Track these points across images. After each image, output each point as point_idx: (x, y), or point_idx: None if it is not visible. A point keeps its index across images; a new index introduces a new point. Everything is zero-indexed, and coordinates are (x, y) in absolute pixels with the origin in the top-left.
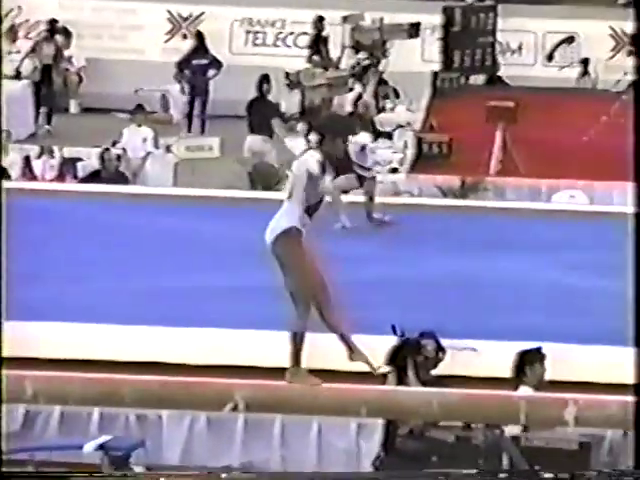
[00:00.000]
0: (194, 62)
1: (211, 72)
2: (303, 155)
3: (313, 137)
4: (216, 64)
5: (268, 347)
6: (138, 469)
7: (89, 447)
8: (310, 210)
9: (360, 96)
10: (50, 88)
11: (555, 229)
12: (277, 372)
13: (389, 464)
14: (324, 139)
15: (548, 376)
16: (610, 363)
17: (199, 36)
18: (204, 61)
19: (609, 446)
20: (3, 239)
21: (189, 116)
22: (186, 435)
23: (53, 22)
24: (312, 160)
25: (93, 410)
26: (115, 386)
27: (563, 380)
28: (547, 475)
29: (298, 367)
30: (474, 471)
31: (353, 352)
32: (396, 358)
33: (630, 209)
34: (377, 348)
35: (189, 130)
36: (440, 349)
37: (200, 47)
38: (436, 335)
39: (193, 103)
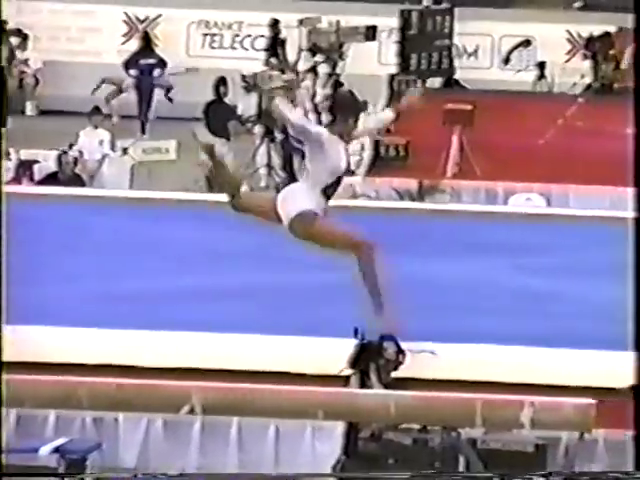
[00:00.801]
0: (141, 62)
1: (157, 72)
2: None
3: (325, 117)
4: (161, 64)
5: (225, 350)
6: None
7: (45, 450)
8: (327, 191)
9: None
10: (4, 90)
11: (512, 232)
12: (234, 375)
13: (350, 467)
14: (335, 119)
15: (505, 378)
16: (567, 365)
17: (145, 36)
18: (150, 61)
19: (565, 448)
20: None
21: (139, 116)
22: (142, 438)
23: (3, 23)
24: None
25: (49, 413)
26: (71, 389)
27: (519, 382)
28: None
29: None
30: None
31: None
32: (358, 361)
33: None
34: (339, 350)
35: (143, 132)
36: (400, 352)
37: (146, 47)
38: (396, 338)
39: (141, 103)
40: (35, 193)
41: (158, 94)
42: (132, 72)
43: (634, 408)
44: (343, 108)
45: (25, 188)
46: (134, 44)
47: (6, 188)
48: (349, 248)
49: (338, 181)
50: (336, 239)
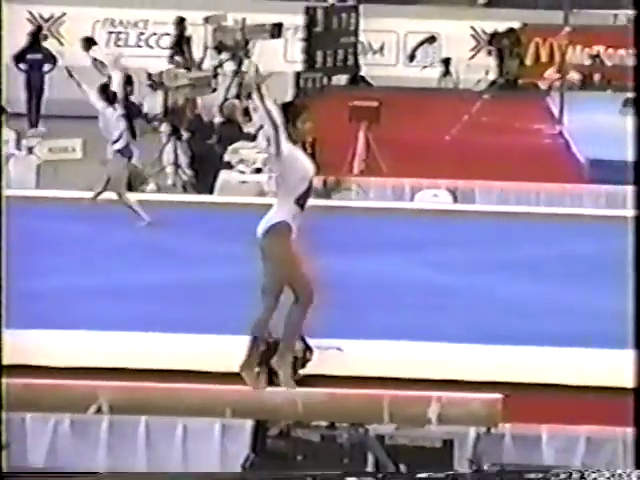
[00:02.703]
0: (28, 57)
1: (46, 67)
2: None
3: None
4: (51, 59)
5: (132, 348)
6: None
7: None
8: (300, 200)
9: (226, 98)
10: None
11: (419, 228)
12: (141, 374)
13: (259, 465)
14: (288, 124)
15: (412, 374)
16: (474, 361)
17: (33, 32)
18: (38, 56)
19: (472, 443)
20: None
21: (29, 111)
22: (50, 437)
23: None
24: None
25: None
26: None
27: (427, 378)
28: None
29: (251, 366)
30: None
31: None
32: (266, 359)
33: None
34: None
35: (31, 126)
36: (308, 349)
37: (34, 43)
38: (303, 335)
39: (31, 98)
40: None
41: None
42: (22, 67)
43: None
44: (291, 112)
45: None
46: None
47: None
48: (300, 286)
49: (309, 188)
50: (296, 270)
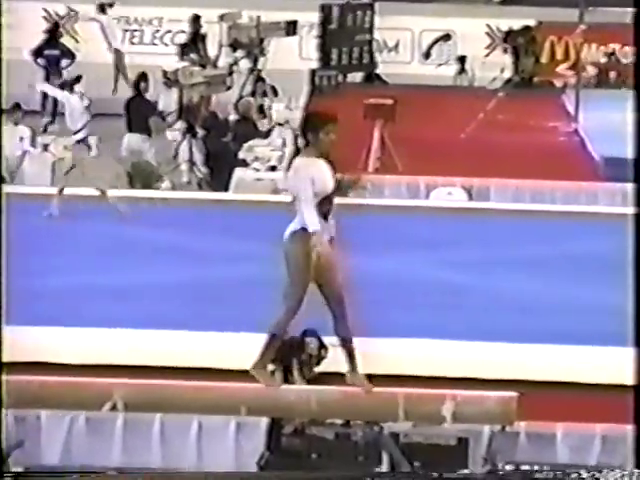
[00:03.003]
0: (46, 52)
1: (64, 62)
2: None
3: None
4: (69, 55)
5: (147, 346)
6: (17, 469)
7: None
8: (322, 210)
9: (241, 96)
10: None
11: (434, 226)
12: (156, 371)
13: (274, 463)
14: (308, 140)
15: (428, 372)
16: (488, 359)
17: (50, 29)
18: (55, 52)
19: (487, 441)
20: None
21: (43, 108)
22: (65, 435)
23: None
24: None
25: None
26: None
27: (442, 376)
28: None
29: (264, 364)
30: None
31: (352, 372)
32: (281, 357)
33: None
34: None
35: (53, 122)
36: (323, 347)
37: (51, 39)
38: (318, 333)
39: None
40: None
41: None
42: (40, 62)
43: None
44: (314, 123)
45: None
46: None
47: None
48: (327, 292)
49: (329, 200)
50: (320, 276)
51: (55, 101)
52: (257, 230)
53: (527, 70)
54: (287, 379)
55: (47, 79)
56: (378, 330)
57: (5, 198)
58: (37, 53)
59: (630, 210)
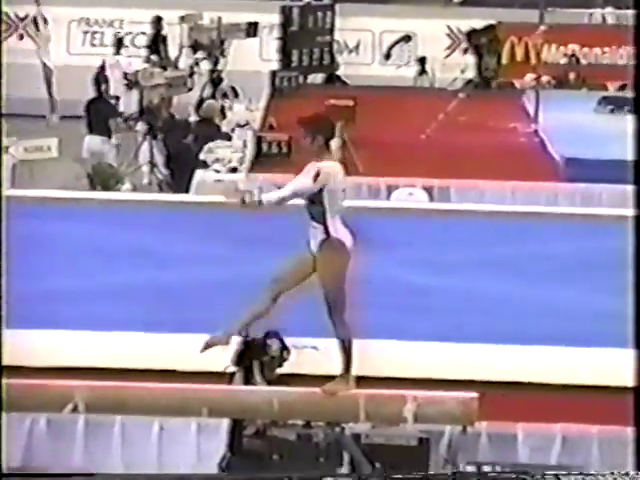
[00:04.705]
0: None
1: None
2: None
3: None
4: None
5: (108, 348)
6: None
7: None
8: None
9: (202, 97)
10: None
11: (395, 227)
12: (118, 373)
13: (235, 464)
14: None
15: (389, 373)
16: (450, 359)
17: None
18: None
19: (448, 442)
20: None
21: None
22: (26, 437)
23: None
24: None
25: None
26: None
27: (402, 377)
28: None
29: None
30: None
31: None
32: (242, 358)
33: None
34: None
35: None
36: (285, 348)
37: None
38: (280, 335)
39: None
40: None
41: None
42: None
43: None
44: (327, 130)
45: None
46: (14, 42)
47: None
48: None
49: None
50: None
51: None
52: (218, 232)
53: (490, 70)
54: (248, 380)
55: None
56: None
57: None
58: None
59: (630, 212)
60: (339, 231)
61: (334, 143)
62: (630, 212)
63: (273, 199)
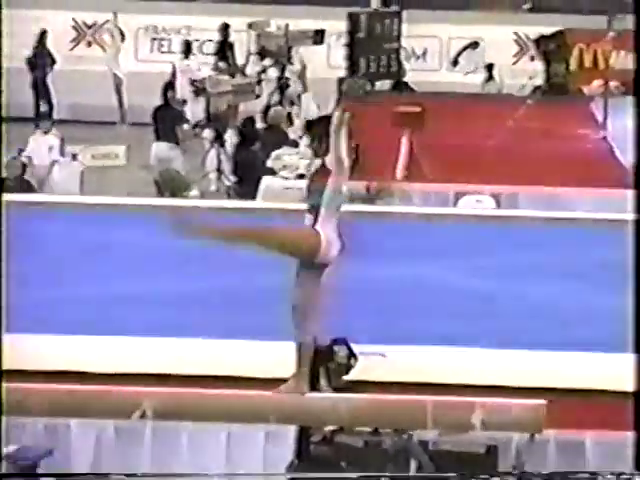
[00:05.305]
0: (37, 59)
1: (48, 69)
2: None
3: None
4: (50, 60)
5: (176, 354)
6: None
7: None
8: None
9: (269, 104)
10: None
11: (462, 234)
12: (185, 379)
13: (303, 471)
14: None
15: (457, 380)
16: (517, 366)
17: (39, 35)
18: (44, 58)
19: (516, 449)
20: None
21: (36, 115)
22: (94, 444)
23: None
24: None
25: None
26: (22, 396)
27: (471, 384)
28: None
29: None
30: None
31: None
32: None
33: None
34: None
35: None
36: (352, 355)
37: (39, 44)
38: (348, 341)
39: (38, 101)
40: None
41: None
42: (31, 70)
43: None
44: (322, 132)
45: None
46: (82, 49)
47: None
48: None
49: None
50: None
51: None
52: None
53: (559, 76)
54: (314, 387)
55: (35, 86)
56: (407, 338)
57: (33, 206)
58: (30, 62)
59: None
60: (326, 230)
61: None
62: None
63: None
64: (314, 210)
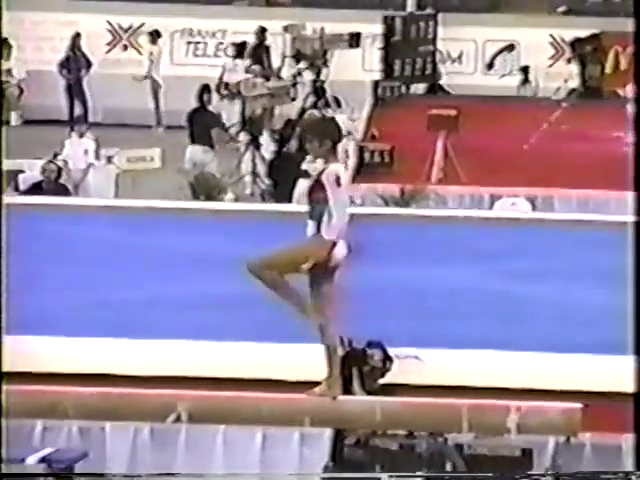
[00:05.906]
0: (71, 62)
1: (83, 71)
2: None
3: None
4: (86, 63)
5: (211, 358)
6: None
7: (32, 460)
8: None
9: (304, 107)
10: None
11: (497, 237)
12: (220, 382)
13: (338, 473)
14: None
15: (492, 383)
16: (553, 370)
17: (73, 38)
18: (78, 61)
19: (552, 452)
20: None
21: (71, 118)
22: (130, 447)
23: None
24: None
25: (36, 423)
26: (57, 398)
27: (506, 387)
28: None
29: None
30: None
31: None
32: (342, 368)
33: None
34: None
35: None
36: (387, 359)
37: (73, 47)
38: (383, 345)
39: (72, 104)
40: (20, 203)
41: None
42: (65, 73)
43: (634, 412)
44: (324, 133)
45: (11, 198)
46: (118, 53)
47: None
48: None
49: None
50: None
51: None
52: None
53: (594, 78)
54: (348, 391)
55: (69, 89)
56: (442, 341)
57: (69, 210)
58: (62, 65)
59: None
60: (331, 234)
61: (341, 146)
62: None
63: (336, 231)
64: (317, 218)
